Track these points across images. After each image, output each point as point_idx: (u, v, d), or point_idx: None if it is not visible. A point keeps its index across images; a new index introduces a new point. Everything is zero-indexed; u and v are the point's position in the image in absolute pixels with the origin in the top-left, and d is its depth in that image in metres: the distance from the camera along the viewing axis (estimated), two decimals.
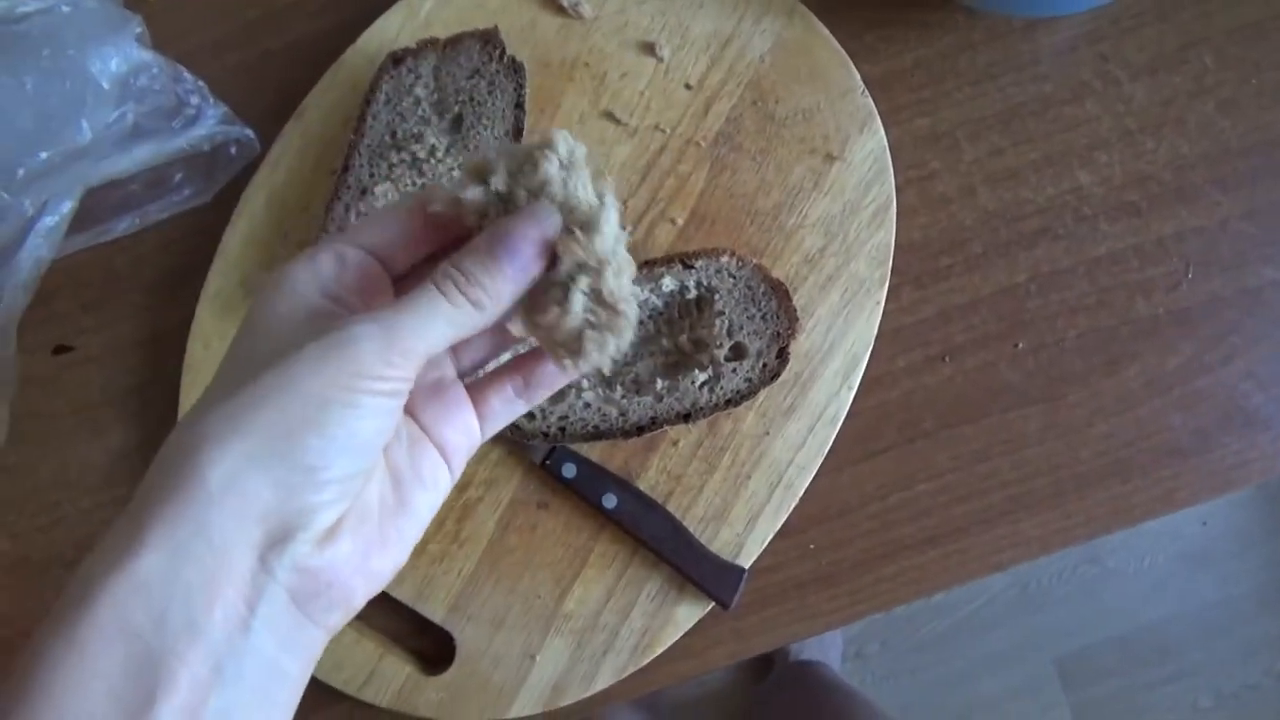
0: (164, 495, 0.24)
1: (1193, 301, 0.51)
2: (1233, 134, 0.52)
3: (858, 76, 0.51)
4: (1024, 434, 0.51)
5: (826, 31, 0.51)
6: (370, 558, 0.27)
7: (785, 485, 0.50)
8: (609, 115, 0.52)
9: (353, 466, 0.26)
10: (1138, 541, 1.32)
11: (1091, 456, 0.51)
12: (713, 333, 0.48)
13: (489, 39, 0.50)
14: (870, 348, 0.50)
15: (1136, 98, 0.52)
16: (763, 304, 0.49)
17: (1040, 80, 0.52)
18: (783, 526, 0.50)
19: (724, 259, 0.49)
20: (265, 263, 0.52)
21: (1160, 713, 1.30)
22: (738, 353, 0.49)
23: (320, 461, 0.25)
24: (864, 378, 0.50)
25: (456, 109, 0.50)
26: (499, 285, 0.27)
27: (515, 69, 0.50)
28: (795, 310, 0.49)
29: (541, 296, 0.29)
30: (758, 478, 0.50)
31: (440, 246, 0.30)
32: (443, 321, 0.27)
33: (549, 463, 0.49)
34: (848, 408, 0.50)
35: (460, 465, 0.31)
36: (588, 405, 0.48)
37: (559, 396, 0.48)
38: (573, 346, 0.29)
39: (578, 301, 0.28)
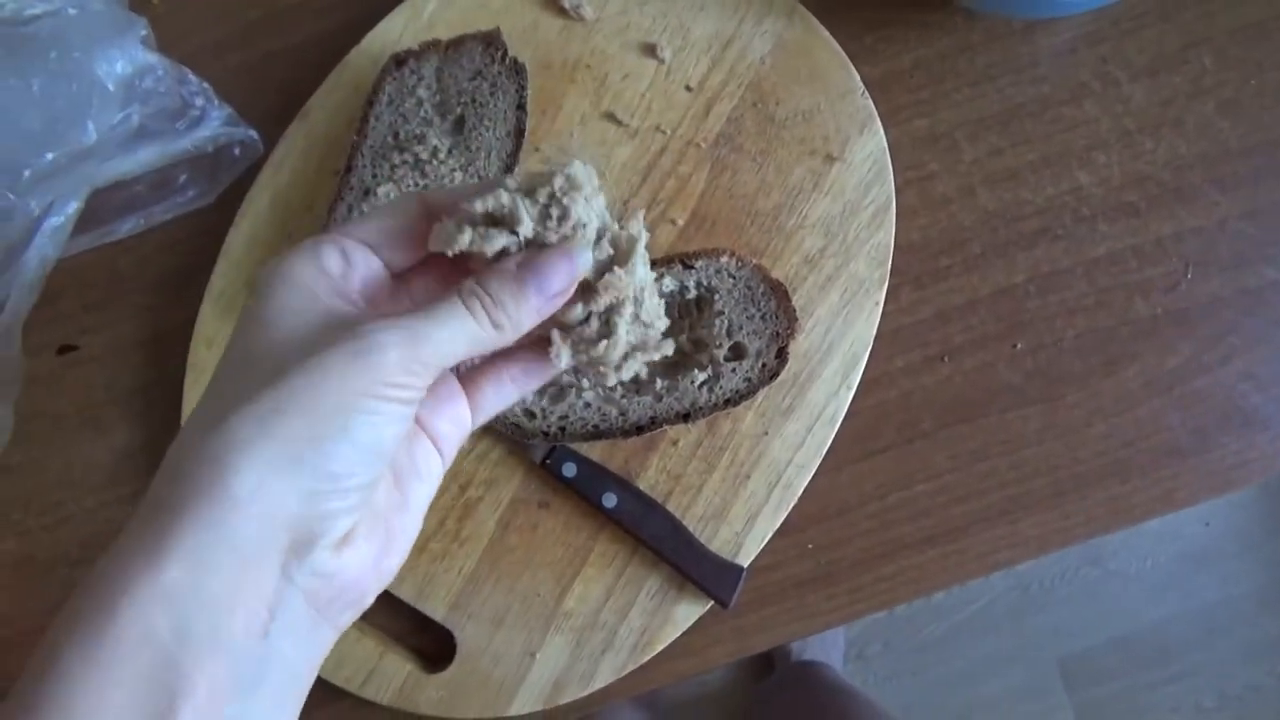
0: (188, 503, 0.23)
1: (1191, 302, 0.51)
2: (1232, 134, 0.52)
3: (857, 78, 0.51)
4: (1023, 434, 0.51)
5: (826, 33, 0.52)
6: (381, 557, 0.27)
7: (784, 485, 0.50)
8: (610, 116, 0.52)
9: (373, 472, 0.26)
10: (1139, 542, 1.32)
11: (1090, 457, 0.51)
12: (712, 333, 0.48)
13: (491, 40, 0.51)
14: (869, 348, 0.50)
15: (1135, 98, 0.52)
16: (762, 304, 0.49)
17: (1039, 81, 0.53)
18: (782, 526, 0.50)
19: (724, 259, 0.49)
20: None
21: (1163, 713, 1.29)
22: (737, 353, 0.49)
23: (344, 468, 0.25)
24: (863, 378, 0.50)
25: (459, 110, 0.51)
26: (522, 314, 0.28)
27: (517, 70, 0.51)
28: (794, 310, 0.49)
29: (575, 323, 0.31)
30: (757, 477, 0.50)
31: None
32: (465, 337, 0.27)
33: (549, 462, 0.50)
34: (846, 407, 0.50)
35: (452, 454, 0.31)
36: (588, 405, 0.49)
37: (559, 396, 0.49)
38: (616, 365, 0.32)
39: (623, 331, 0.30)
